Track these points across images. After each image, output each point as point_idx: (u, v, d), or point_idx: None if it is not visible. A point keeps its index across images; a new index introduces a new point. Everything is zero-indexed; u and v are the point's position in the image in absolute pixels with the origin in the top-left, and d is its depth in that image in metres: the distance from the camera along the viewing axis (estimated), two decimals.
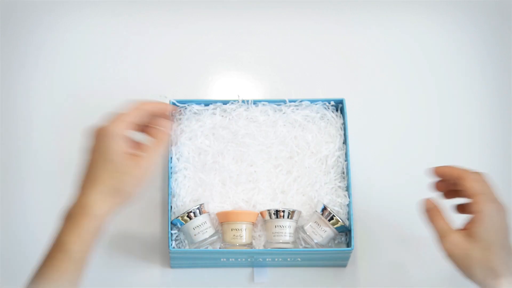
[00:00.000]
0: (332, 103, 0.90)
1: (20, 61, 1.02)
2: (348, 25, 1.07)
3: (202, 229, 0.81)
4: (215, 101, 0.89)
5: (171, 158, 0.86)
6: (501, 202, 0.68)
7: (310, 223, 0.80)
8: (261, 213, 0.83)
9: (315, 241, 0.80)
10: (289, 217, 0.81)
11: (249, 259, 0.86)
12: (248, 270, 0.90)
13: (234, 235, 0.80)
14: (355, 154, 0.92)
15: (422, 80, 1.03)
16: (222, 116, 0.89)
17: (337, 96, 0.91)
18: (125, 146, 0.69)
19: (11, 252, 0.90)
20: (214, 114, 0.89)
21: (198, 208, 0.81)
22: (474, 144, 0.99)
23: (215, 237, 0.82)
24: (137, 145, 0.73)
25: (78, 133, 0.97)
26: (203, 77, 1.03)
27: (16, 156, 0.96)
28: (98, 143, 0.69)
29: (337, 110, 0.90)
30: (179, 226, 0.82)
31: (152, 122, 0.75)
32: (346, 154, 0.87)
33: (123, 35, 1.05)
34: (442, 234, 0.69)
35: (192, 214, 0.81)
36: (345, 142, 0.88)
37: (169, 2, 1.07)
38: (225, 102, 0.89)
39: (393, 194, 0.95)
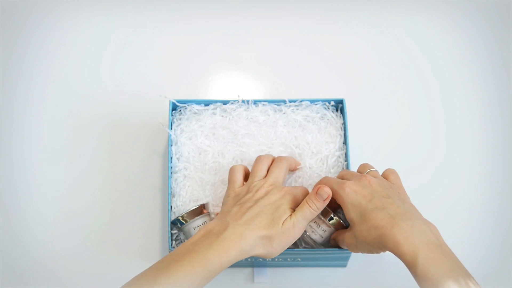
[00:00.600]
0: (332, 103, 0.90)
1: (20, 61, 1.02)
2: (348, 25, 1.07)
3: None
4: (215, 101, 0.89)
5: (171, 158, 0.86)
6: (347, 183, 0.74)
7: (310, 223, 0.80)
8: None
9: (315, 241, 0.80)
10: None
11: (249, 259, 0.86)
12: (248, 270, 0.90)
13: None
14: (355, 154, 0.92)
15: (422, 80, 1.03)
16: (222, 116, 0.89)
17: (337, 96, 0.91)
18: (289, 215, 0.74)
19: (11, 252, 0.90)
20: (214, 114, 0.89)
21: (198, 208, 0.81)
22: (474, 144, 0.99)
23: None
24: None
25: (78, 132, 0.98)
26: (203, 77, 1.03)
27: (15, 156, 0.96)
28: (277, 199, 0.74)
29: (337, 110, 0.90)
30: (179, 226, 0.82)
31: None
32: (346, 154, 0.87)
33: (123, 35, 1.05)
34: (340, 242, 0.78)
35: (192, 214, 0.80)
36: (345, 142, 0.88)
37: (169, 2, 1.07)
38: (225, 102, 0.89)
39: None
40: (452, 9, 1.08)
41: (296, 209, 0.75)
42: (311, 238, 0.80)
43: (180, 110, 0.90)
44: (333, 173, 0.87)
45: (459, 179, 0.97)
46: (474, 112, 1.01)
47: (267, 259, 0.83)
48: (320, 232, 0.80)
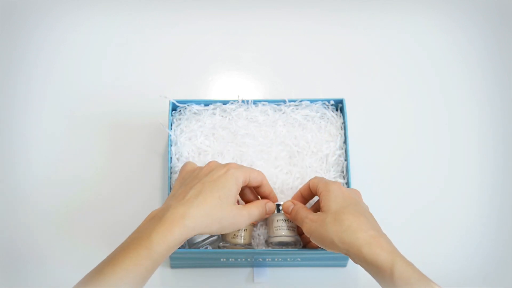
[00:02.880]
0: (332, 102, 0.90)
1: (20, 61, 1.02)
2: (348, 25, 1.07)
3: None
4: (215, 101, 0.89)
5: (171, 158, 0.86)
6: (331, 182, 0.76)
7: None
8: None
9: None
10: None
11: (249, 259, 0.86)
12: (248, 270, 0.90)
13: (234, 234, 0.80)
14: (355, 153, 0.92)
15: (422, 79, 1.03)
16: (222, 116, 0.89)
17: (337, 96, 0.91)
18: (237, 191, 0.74)
19: (11, 251, 0.90)
20: (214, 114, 0.89)
21: None
22: (474, 143, 0.99)
23: (215, 237, 0.82)
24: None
25: (78, 132, 0.98)
26: (203, 77, 1.03)
27: (16, 155, 0.96)
28: (221, 174, 0.73)
29: (337, 110, 0.90)
30: None
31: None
32: (346, 153, 0.87)
33: (123, 35, 1.05)
34: (302, 220, 0.75)
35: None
36: (345, 141, 0.88)
37: (169, 2, 1.07)
38: (225, 102, 0.89)
39: (393, 193, 0.95)
40: (452, 9, 1.08)
41: (254, 204, 0.76)
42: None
43: (180, 110, 0.90)
44: (333, 172, 0.87)
45: (459, 178, 0.97)
46: (473, 111, 1.01)
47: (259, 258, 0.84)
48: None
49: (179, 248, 0.82)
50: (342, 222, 0.69)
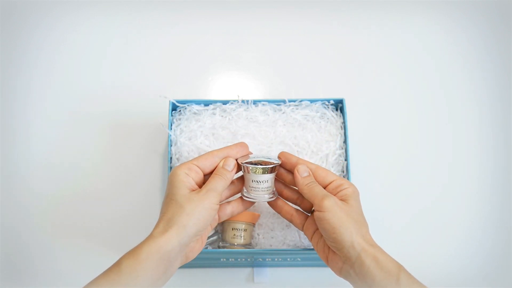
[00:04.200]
0: (332, 102, 0.90)
1: (20, 61, 1.02)
2: (348, 25, 1.07)
3: None
4: (215, 101, 0.89)
5: (170, 158, 0.86)
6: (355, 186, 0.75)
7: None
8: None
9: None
10: (267, 172, 0.76)
11: (249, 259, 0.86)
12: (248, 270, 0.90)
13: (234, 234, 0.80)
14: (355, 153, 0.92)
15: (421, 79, 1.03)
16: (222, 116, 0.89)
17: (337, 96, 0.91)
18: (188, 185, 0.72)
19: (11, 251, 0.90)
20: (214, 114, 0.89)
21: None
22: (474, 143, 0.99)
23: (215, 237, 0.82)
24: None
25: (78, 132, 0.98)
26: (203, 77, 1.03)
27: (16, 155, 0.96)
28: (168, 185, 0.73)
29: (336, 110, 0.90)
30: None
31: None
32: (346, 153, 0.87)
33: (123, 35, 1.05)
34: (322, 196, 0.71)
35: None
36: (345, 141, 0.88)
37: (169, 2, 1.07)
38: (225, 102, 0.89)
39: (393, 192, 0.95)
40: (452, 9, 1.08)
41: (206, 182, 0.73)
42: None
43: (180, 110, 0.90)
44: (333, 172, 0.86)
45: (460, 178, 0.97)
46: (474, 110, 1.01)
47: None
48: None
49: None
50: (362, 226, 0.71)
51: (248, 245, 0.81)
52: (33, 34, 1.04)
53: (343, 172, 0.87)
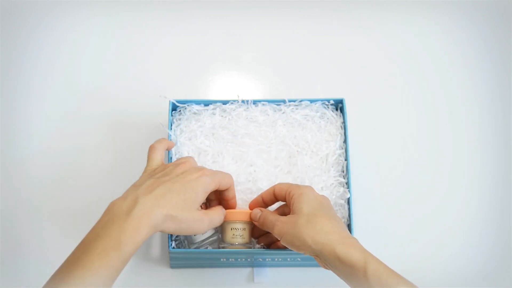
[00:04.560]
0: (332, 102, 0.90)
1: (20, 61, 1.02)
2: (348, 25, 1.07)
3: None
4: (215, 101, 0.89)
5: (171, 158, 0.86)
6: (304, 186, 0.77)
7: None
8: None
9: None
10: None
11: (249, 259, 0.86)
12: (248, 270, 0.90)
13: (233, 234, 0.80)
14: (355, 153, 0.92)
15: (421, 79, 1.03)
16: (222, 116, 0.89)
17: (337, 96, 0.91)
18: (204, 198, 0.74)
19: (11, 250, 0.90)
20: (214, 114, 0.89)
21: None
22: (474, 142, 0.99)
23: (215, 237, 0.82)
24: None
25: (78, 132, 0.98)
26: (203, 77, 1.03)
27: (16, 155, 0.96)
28: (193, 179, 0.72)
29: (336, 109, 0.90)
30: None
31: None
32: (346, 153, 0.87)
33: (123, 35, 1.05)
34: (272, 224, 0.75)
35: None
36: (345, 141, 0.88)
37: (169, 2, 1.07)
38: (224, 102, 0.89)
39: (393, 192, 0.95)
40: (452, 9, 1.08)
41: (215, 210, 0.76)
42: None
43: (180, 110, 0.90)
44: (333, 172, 0.87)
45: (460, 177, 0.97)
46: (474, 110, 1.01)
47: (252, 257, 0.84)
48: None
49: (180, 248, 0.82)
50: (316, 224, 0.71)
51: (248, 244, 0.81)
52: (33, 34, 1.04)
53: (343, 172, 0.87)
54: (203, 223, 0.73)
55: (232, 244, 0.81)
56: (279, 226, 0.74)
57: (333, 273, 0.72)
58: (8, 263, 0.89)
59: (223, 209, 0.79)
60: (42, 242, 0.91)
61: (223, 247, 0.81)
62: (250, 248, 0.82)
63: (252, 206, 0.82)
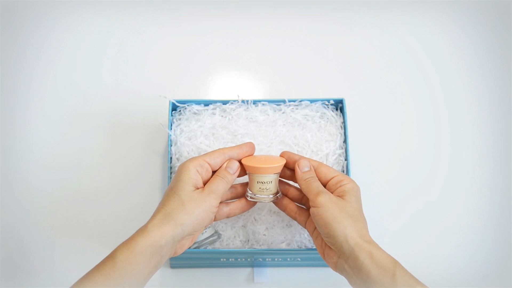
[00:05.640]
0: (332, 102, 0.90)
1: (20, 61, 1.02)
2: (348, 25, 1.07)
3: None
4: (215, 101, 0.89)
5: (170, 158, 0.86)
6: (356, 183, 0.76)
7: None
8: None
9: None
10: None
11: (249, 259, 0.86)
12: (248, 270, 0.90)
13: (260, 187, 0.77)
14: (355, 152, 0.92)
15: (421, 79, 1.03)
16: (222, 116, 0.89)
17: (337, 95, 0.91)
18: (195, 182, 0.72)
19: (11, 250, 0.90)
20: (214, 114, 0.89)
21: None
22: (474, 143, 0.99)
23: (215, 237, 0.82)
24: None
25: (78, 132, 0.98)
26: (203, 77, 1.03)
27: (16, 155, 0.96)
28: (174, 177, 0.73)
29: (336, 109, 0.90)
30: None
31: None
32: (346, 153, 0.87)
33: (123, 35, 1.05)
34: (318, 191, 0.72)
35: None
36: (345, 141, 0.88)
37: (169, 2, 1.07)
38: (224, 102, 0.89)
39: (393, 192, 0.95)
40: (452, 9, 1.08)
41: (212, 178, 0.74)
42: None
43: (180, 110, 0.90)
44: None
45: (459, 177, 0.97)
46: (474, 111, 1.01)
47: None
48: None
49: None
50: (358, 221, 0.71)
51: (276, 194, 0.78)
52: (33, 34, 1.04)
53: (343, 171, 0.87)
54: (207, 197, 0.71)
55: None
56: (325, 198, 0.71)
57: (333, 273, 0.72)
58: (10, 269, 0.89)
59: (221, 169, 0.75)
60: (42, 240, 0.91)
61: (251, 198, 0.78)
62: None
63: (286, 156, 0.78)
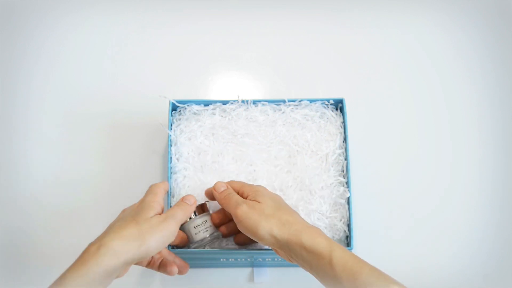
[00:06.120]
0: (332, 102, 0.90)
1: (20, 61, 1.02)
2: (348, 25, 1.07)
3: (202, 228, 0.81)
4: (215, 101, 0.89)
5: (170, 158, 0.86)
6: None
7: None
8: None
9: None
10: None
11: (249, 259, 0.86)
12: (248, 270, 0.90)
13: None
14: (355, 152, 0.92)
15: (422, 79, 1.03)
16: (222, 116, 0.89)
17: (337, 95, 0.91)
18: (155, 210, 0.72)
19: (12, 250, 0.90)
20: (214, 114, 0.89)
21: (197, 208, 0.81)
22: (474, 142, 0.99)
23: (215, 234, 0.82)
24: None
25: (78, 132, 0.98)
26: (203, 77, 1.03)
27: (16, 155, 0.96)
28: (142, 200, 0.73)
29: (336, 109, 0.90)
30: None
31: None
32: (346, 152, 0.87)
33: (123, 35, 1.05)
34: (237, 204, 0.74)
35: (192, 214, 0.80)
36: (345, 140, 0.88)
37: (169, 2, 1.07)
38: (224, 102, 0.89)
39: (393, 191, 0.95)
40: (452, 9, 1.08)
41: (173, 207, 0.75)
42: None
43: (180, 111, 0.90)
44: (333, 171, 0.87)
45: (460, 177, 0.97)
46: (474, 110, 1.01)
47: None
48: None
49: (179, 248, 0.82)
50: (281, 217, 0.72)
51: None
52: (33, 34, 1.04)
53: (343, 171, 0.87)
54: (167, 222, 0.70)
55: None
56: (244, 208, 0.73)
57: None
58: (10, 269, 0.90)
59: (180, 200, 0.77)
60: (42, 240, 0.91)
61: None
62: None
63: (206, 194, 0.82)
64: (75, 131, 0.98)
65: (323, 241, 0.68)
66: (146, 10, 1.06)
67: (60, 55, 1.03)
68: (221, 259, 0.85)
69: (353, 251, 0.83)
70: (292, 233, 0.70)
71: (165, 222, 0.70)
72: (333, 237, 0.84)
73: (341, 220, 0.84)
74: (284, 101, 0.89)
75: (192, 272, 0.90)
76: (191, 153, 0.87)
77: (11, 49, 1.03)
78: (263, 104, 0.90)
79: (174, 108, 0.89)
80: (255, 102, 0.89)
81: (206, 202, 0.83)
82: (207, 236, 0.81)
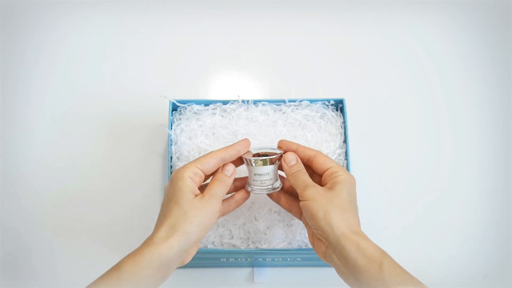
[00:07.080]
0: (332, 102, 0.90)
1: (20, 61, 1.02)
2: (348, 25, 1.07)
3: (266, 178, 0.78)
4: (215, 101, 0.89)
5: (171, 157, 0.86)
6: (351, 175, 0.75)
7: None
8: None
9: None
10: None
11: (249, 259, 0.86)
12: (248, 270, 0.90)
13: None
14: (355, 152, 0.92)
15: (422, 79, 1.03)
16: (222, 116, 0.89)
17: (338, 95, 0.91)
18: (192, 189, 0.71)
19: (12, 250, 0.90)
20: (214, 114, 0.89)
21: None
22: (474, 142, 0.99)
23: (277, 186, 0.79)
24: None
25: (78, 132, 0.98)
26: (203, 77, 1.03)
27: (16, 155, 0.96)
28: (170, 186, 0.72)
29: (337, 110, 0.90)
30: None
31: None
32: (346, 152, 0.87)
33: (123, 35, 1.05)
34: (305, 184, 0.73)
35: (251, 161, 0.78)
36: (345, 141, 0.88)
37: (169, 2, 1.07)
38: (225, 102, 0.89)
39: (393, 191, 0.95)
40: (452, 9, 1.08)
41: (210, 183, 0.73)
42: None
43: (180, 110, 0.90)
44: None
45: (460, 177, 0.97)
46: (474, 110, 1.01)
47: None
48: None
49: None
50: (347, 213, 0.70)
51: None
52: (33, 34, 1.04)
53: None
54: (208, 202, 0.70)
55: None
56: (313, 191, 0.72)
57: (333, 273, 0.72)
58: (10, 269, 0.89)
59: (218, 172, 0.75)
60: (42, 240, 0.91)
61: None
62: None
63: (284, 146, 0.78)
64: (75, 131, 0.98)
65: (377, 247, 0.68)
66: (146, 10, 1.06)
67: (60, 55, 1.03)
68: (221, 259, 0.85)
69: None
70: (351, 231, 0.69)
71: (207, 203, 0.70)
72: None
73: None
74: (284, 101, 0.89)
75: (192, 272, 0.90)
76: (192, 152, 0.87)
77: (11, 49, 1.03)
78: (263, 104, 0.90)
79: (174, 108, 0.89)
80: (255, 102, 0.90)
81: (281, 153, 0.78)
82: (272, 183, 0.78)
